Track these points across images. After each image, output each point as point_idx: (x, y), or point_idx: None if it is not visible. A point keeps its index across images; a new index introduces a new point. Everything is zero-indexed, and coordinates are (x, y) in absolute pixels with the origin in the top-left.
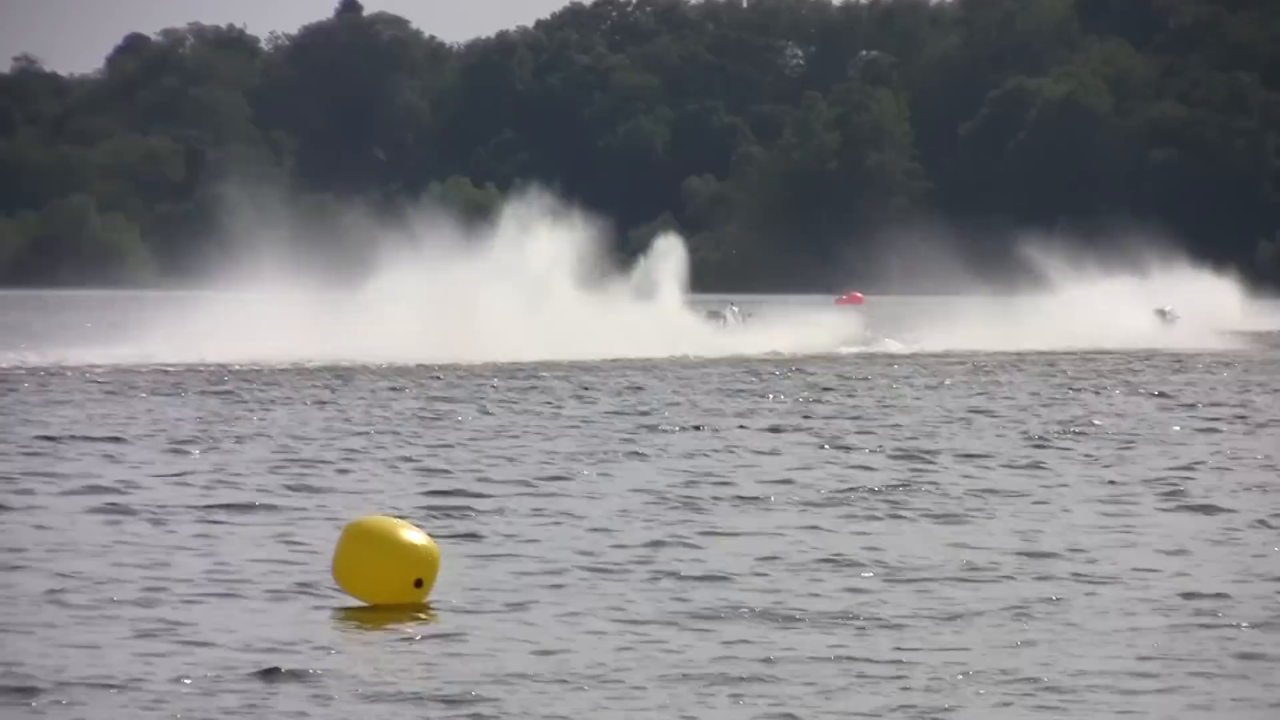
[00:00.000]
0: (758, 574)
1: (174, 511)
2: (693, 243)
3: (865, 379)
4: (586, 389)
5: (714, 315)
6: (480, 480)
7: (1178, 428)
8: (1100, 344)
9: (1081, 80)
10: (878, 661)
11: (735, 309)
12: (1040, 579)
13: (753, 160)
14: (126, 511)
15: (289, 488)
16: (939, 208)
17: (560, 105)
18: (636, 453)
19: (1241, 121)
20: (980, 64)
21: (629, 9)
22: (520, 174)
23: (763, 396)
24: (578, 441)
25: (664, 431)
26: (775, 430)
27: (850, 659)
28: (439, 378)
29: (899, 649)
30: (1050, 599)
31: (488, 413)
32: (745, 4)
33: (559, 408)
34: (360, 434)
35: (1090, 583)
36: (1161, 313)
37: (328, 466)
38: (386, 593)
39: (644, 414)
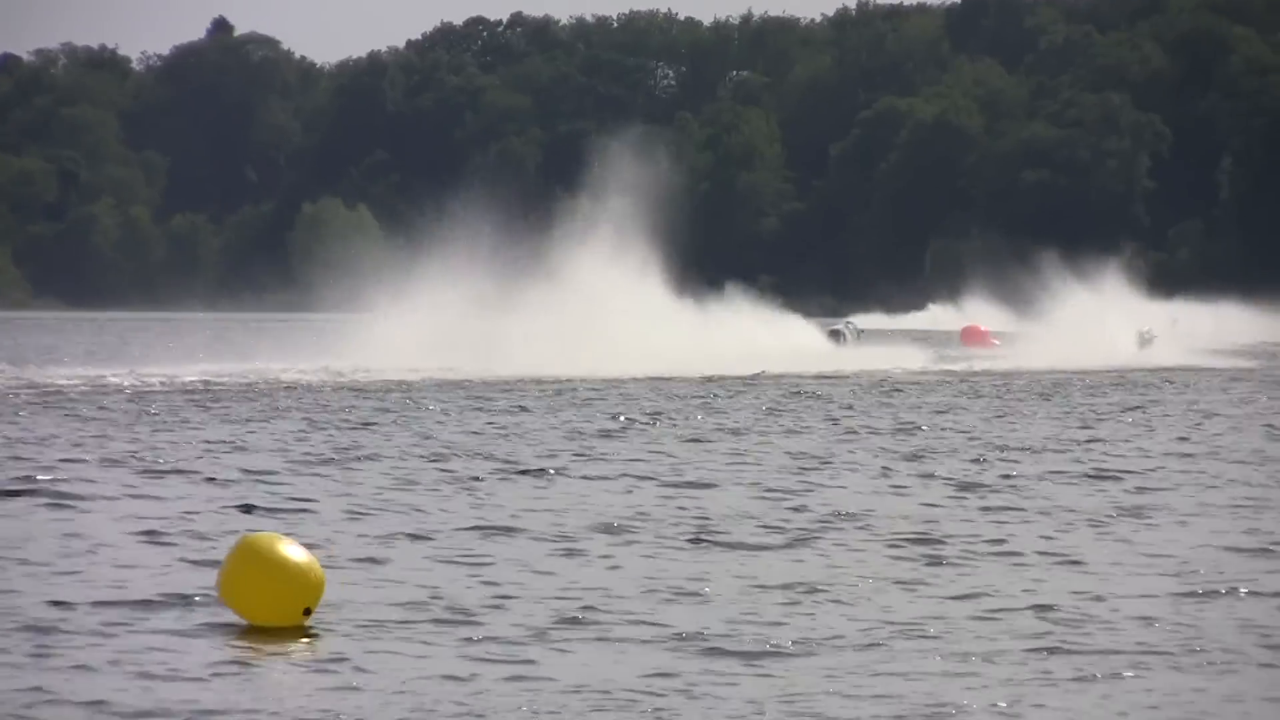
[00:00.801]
0: (653, 599)
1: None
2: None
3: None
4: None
5: (834, 334)
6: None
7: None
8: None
9: (953, 101)
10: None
11: (851, 325)
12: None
13: (623, 181)
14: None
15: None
16: (810, 228)
17: (431, 126)
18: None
19: (1113, 142)
20: (851, 84)
21: (500, 29)
22: (391, 195)
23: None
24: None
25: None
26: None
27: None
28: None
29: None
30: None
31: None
32: (616, 24)
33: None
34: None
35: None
36: (1142, 335)
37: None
38: (275, 617)
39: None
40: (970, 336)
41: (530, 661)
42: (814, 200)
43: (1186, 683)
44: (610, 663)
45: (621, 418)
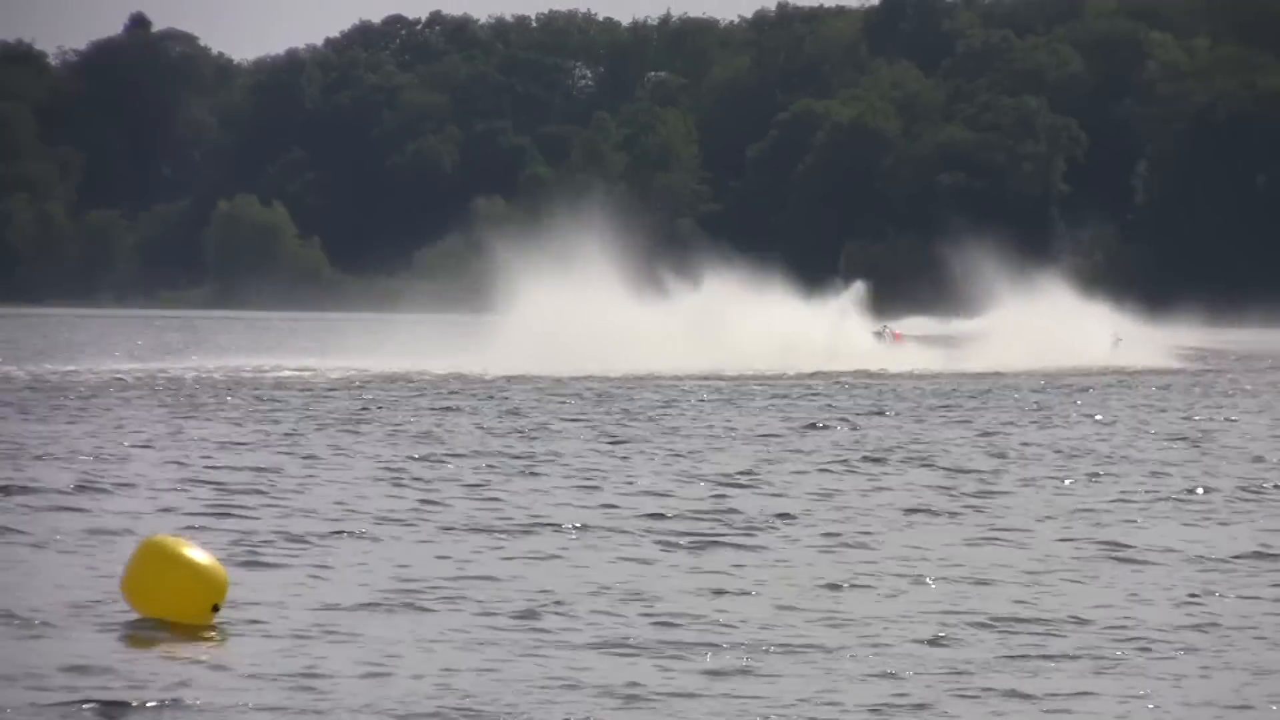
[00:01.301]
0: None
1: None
2: (482, 264)
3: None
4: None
5: (878, 335)
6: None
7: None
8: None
9: (870, 103)
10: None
11: (888, 329)
12: None
13: (540, 181)
14: None
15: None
16: (726, 229)
17: (349, 124)
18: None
19: (1029, 146)
20: (769, 86)
21: (418, 28)
22: (308, 193)
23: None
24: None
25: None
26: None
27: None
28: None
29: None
30: None
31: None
32: (535, 24)
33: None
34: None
35: None
36: (1115, 338)
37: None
38: (184, 613)
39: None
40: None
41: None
42: (730, 201)
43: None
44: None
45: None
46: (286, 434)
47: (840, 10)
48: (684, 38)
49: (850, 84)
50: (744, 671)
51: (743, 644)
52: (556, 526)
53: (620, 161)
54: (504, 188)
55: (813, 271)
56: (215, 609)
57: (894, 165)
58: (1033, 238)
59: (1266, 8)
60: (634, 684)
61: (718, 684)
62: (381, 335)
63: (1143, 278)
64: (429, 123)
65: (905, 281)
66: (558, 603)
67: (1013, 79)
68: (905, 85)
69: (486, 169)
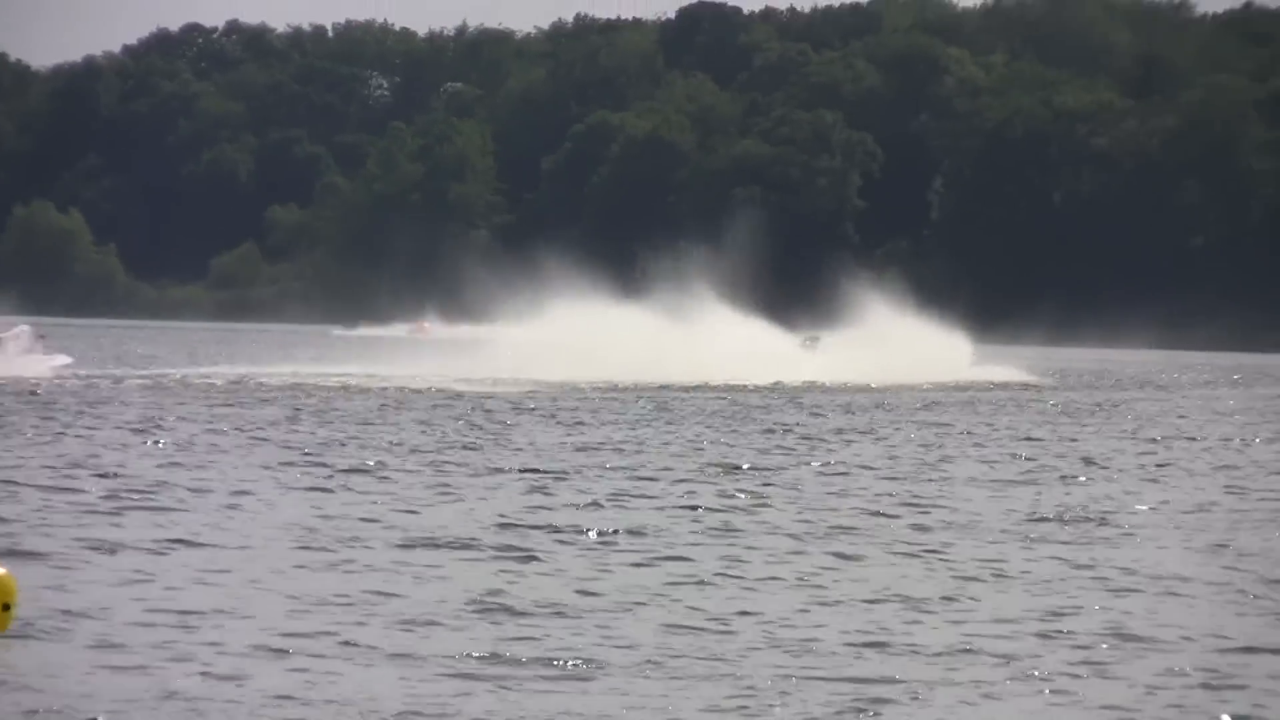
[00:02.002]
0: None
1: None
2: (274, 272)
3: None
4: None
5: (809, 343)
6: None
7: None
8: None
9: (665, 116)
10: None
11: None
12: None
13: (336, 190)
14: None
15: None
16: (521, 240)
17: (146, 131)
18: None
19: (824, 160)
20: (565, 97)
21: (215, 36)
22: (104, 200)
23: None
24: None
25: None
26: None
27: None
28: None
29: None
30: None
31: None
32: (331, 34)
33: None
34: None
35: None
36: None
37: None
38: None
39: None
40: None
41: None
42: (524, 212)
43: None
44: None
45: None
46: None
47: (636, 22)
48: (480, 48)
49: (646, 96)
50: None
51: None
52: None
53: (416, 172)
54: (300, 196)
55: (607, 283)
56: (6, 608)
57: (689, 178)
58: (827, 252)
59: (1063, 25)
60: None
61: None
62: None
63: (937, 293)
64: (225, 131)
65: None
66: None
67: (809, 93)
68: (701, 98)
69: (282, 178)
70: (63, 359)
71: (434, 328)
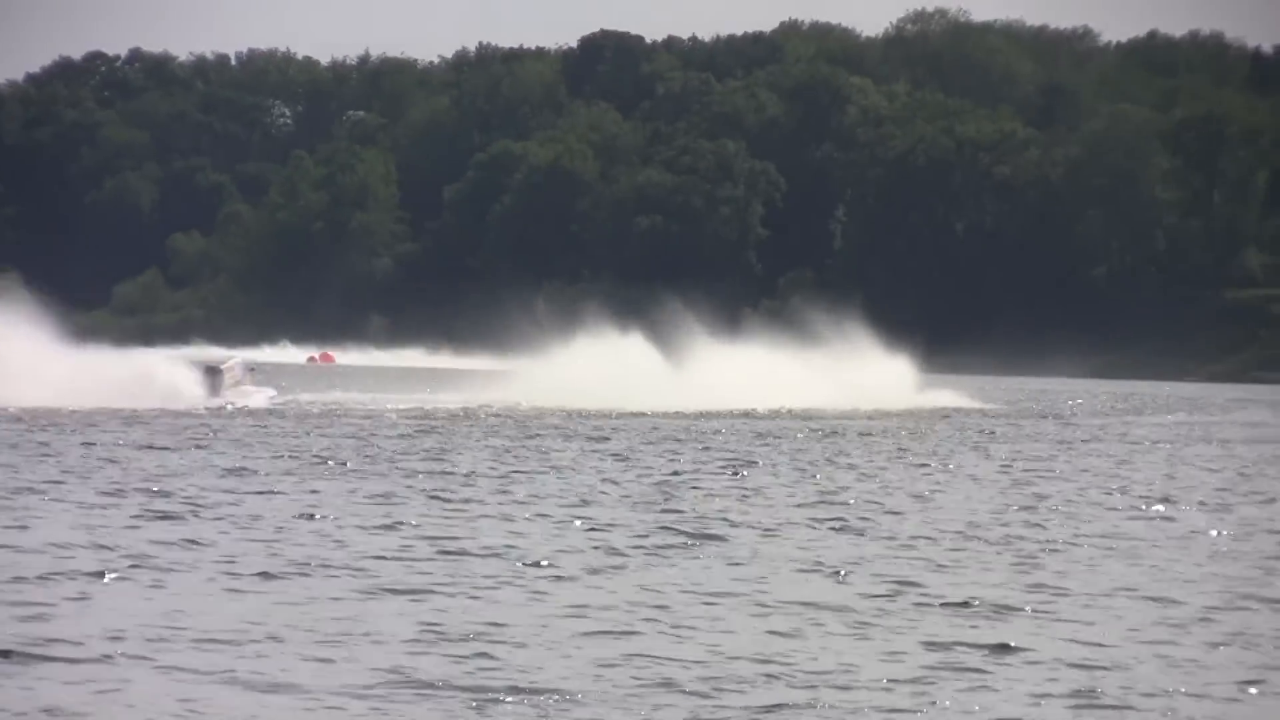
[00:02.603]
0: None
1: None
2: (177, 299)
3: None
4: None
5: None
6: None
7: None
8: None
9: (568, 145)
10: None
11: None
12: None
13: (239, 218)
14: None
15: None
16: (423, 269)
17: (48, 160)
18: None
19: (727, 189)
20: (467, 126)
21: (118, 64)
22: (6, 227)
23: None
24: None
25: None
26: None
27: None
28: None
29: None
30: None
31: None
32: (235, 62)
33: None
34: None
35: None
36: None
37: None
38: None
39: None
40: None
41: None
42: (428, 241)
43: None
44: None
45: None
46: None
47: (539, 51)
48: (383, 77)
49: (548, 125)
50: None
51: None
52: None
53: (319, 200)
54: (203, 224)
55: (510, 312)
56: None
57: (591, 207)
58: (730, 282)
59: (966, 54)
60: None
61: None
62: None
63: (840, 323)
64: (128, 160)
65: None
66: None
67: (712, 122)
68: (603, 127)
69: (185, 206)
70: (270, 391)
71: (335, 357)
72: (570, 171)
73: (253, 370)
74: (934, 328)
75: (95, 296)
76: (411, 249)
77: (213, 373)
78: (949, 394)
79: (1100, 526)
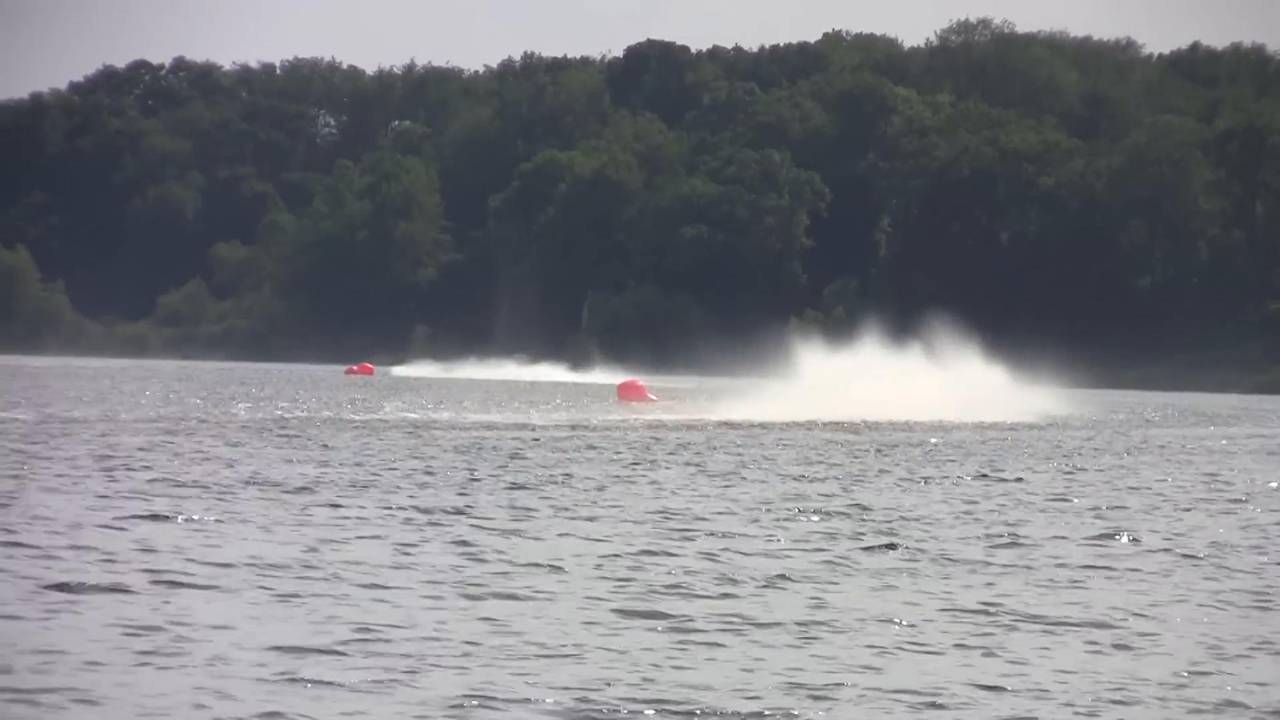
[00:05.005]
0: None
1: None
2: (221, 309)
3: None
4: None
5: None
6: None
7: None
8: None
9: (612, 155)
10: None
11: None
12: None
13: (282, 228)
14: None
15: None
16: (468, 279)
17: (92, 168)
18: None
19: (772, 199)
20: (511, 135)
21: (162, 73)
22: (50, 236)
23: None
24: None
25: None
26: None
27: None
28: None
29: None
30: None
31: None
32: (279, 71)
33: None
34: None
35: None
36: None
37: None
38: None
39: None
40: (628, 392)
41: None
42: (472, 251)
43: None
44: None
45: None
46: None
47: (584, 61)
48: (427, 87)
49: (593, 135)
50: None
51: None
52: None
53: (363, 210)
54: (246, 234)
55: (554, 321)
56: None
57: (635, 217)
58: (775, 291)
59: (1010, 65)
60: None
61: None
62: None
63: (882, 333)
64: (172, 168)
65: (645, 334)
66: None
67: (756, 132)
68: (648, 137)
69: (229, 215)
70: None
71: (373, 368)
72: (615, 181)
73: None
74: (977, 338)
75: (139, 307)
76: (456, 259)
77: None
78: (1053, 403)
79: None
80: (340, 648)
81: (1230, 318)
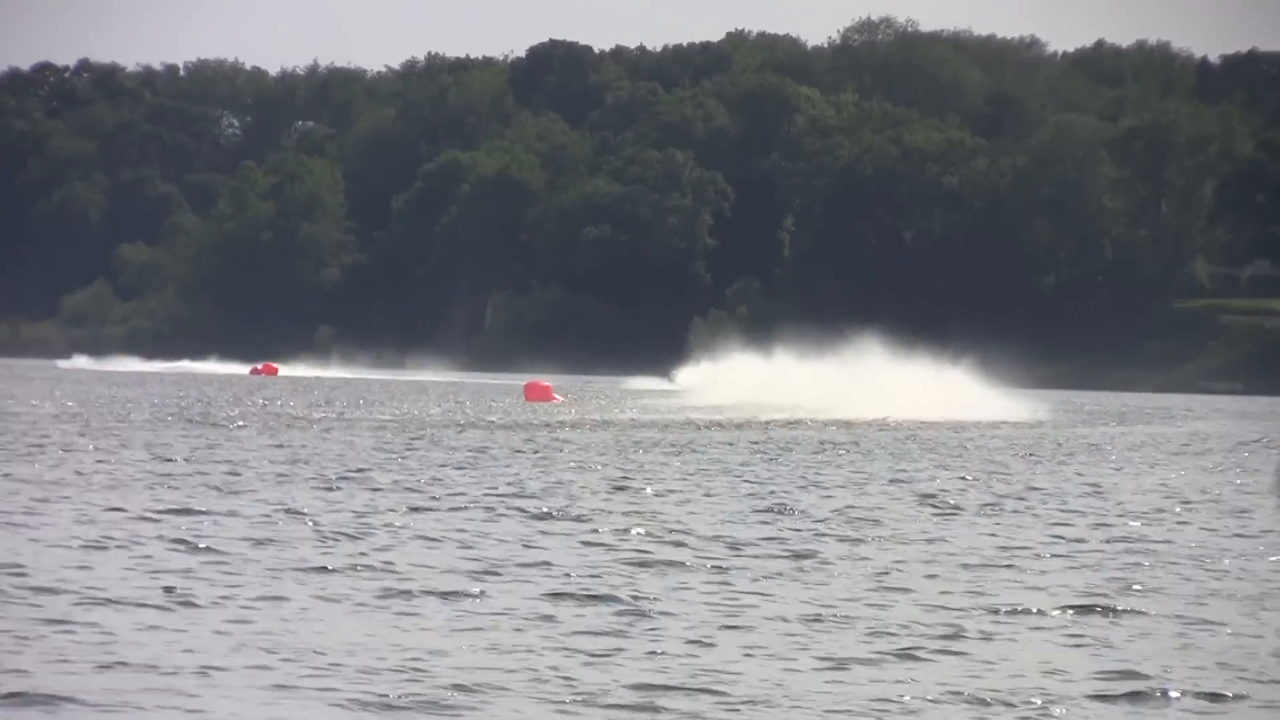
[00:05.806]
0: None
1: None
2: (126, 310)
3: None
4: None
5: None
6: None
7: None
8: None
9: (515, 155)
10: None
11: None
12: None
13: (186, 229)
14: None
15: None
16: (371, 279)
17: None
18: None
19: (675, 199)
20: (415, 136)
21: (67, 75)
22: None
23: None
24: None
25: None
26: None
27: None
28: None
29: None
30: None
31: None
32: (183, 73)
33: None
34: None
35: None
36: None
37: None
38: None
39: None
40: (534, 393)
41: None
42: (376, 252)
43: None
44: None
45: None
46: None
47: (487, 61)
48: (331, 87)
49: (496, 135)
50: None
51: None
52: None
53: (267, 211)
54: (151, 235)
55: (459, 322)
56: None
57: (539, 217)
58: (679, 291)
59: (913, 64)
60: None
61: None
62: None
63: (787, 332)
64: (76, 170)
65: (550, 334)
66: None
67: (659, 132)
68: (551, 137)
69: (133, 216)
70: None
71: (279, 368)
72: (518, 181)
73: None
74: (881, 337)
75: (44, 308)
76: (359, 259)
77: None
78: (1023, 404)
79: None
80: None
81: (1136, 317)
